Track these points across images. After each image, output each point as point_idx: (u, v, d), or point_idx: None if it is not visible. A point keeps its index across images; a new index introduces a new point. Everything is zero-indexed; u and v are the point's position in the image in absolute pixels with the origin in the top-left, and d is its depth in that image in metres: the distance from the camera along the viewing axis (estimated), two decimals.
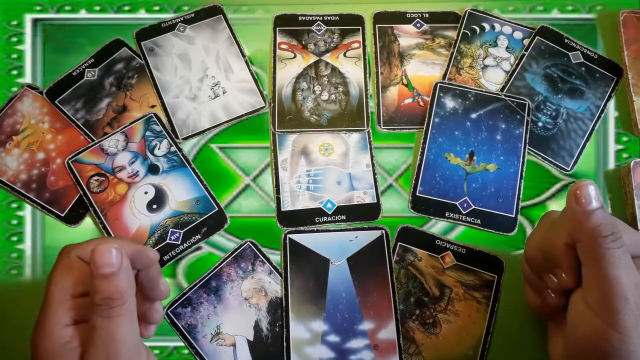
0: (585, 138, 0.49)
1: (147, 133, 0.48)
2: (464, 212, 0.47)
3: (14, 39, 0.51)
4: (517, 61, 0.51)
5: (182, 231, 0.46)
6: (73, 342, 0.33)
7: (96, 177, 0.47)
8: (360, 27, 0.51)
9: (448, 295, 0.46)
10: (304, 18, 0.52)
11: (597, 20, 0.52)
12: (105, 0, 0.52)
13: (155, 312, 0.39)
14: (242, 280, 0.46)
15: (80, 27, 0.51)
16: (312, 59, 0.51)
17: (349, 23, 0.52)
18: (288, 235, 0.47)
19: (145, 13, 0.52)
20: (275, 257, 0.47)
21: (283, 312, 0.45)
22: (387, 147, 0.49)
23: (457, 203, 0.47)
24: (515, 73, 0.50)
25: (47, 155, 0.48)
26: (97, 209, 0.46)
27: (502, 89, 0.50)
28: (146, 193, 0.47)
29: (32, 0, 0.52)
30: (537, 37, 0.51)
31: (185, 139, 0.49)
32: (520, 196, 0.47)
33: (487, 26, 0.51)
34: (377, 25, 0.51)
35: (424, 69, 0.51)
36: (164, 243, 0.46)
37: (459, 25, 0.51)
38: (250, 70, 0.50)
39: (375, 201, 0.48)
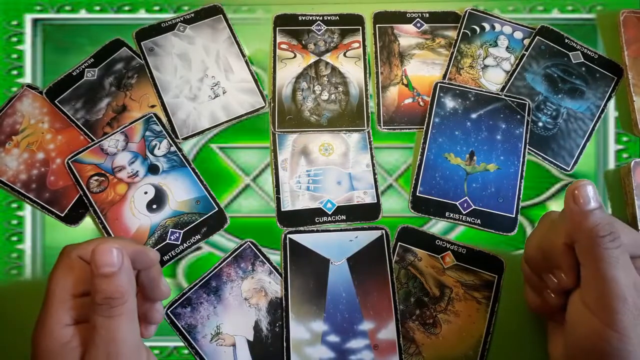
0: (585, 138, 0.49)
1: (147, 133, 0.48)
2: (464, 212, 0.47)
3: (14, 39, 0.51)
4: (517, 61, 0.51)
5: (182, 231, 0.46)
6: (73, 341, 0.33)
7: (96, 177, 0.47)
8: (360, 27, 0.51)
9: (448, 295, 0.45)
10: (304, 18, 0.52)
11: (597, 20, 0.52)
12: (105, 0, 0.52)
13: (155, 312, 0.39)
14: (242, 280, 0.46)
15: (80, 27, 0.51)
16: (312, 58, 0.51)
17: (349, 23, 0.52)
18: (288, 235, 0.47)
19: (145, 13, 0.52)
20: (275, 257, 0.47)
21: (283, 312, 0.45)
22: (387, 147, 0.49)
23: (457, 203, 0.47)
24: (516, 73, 0.50)
25: (47, 155, 0.48)
26: (97, 209, 0.46)
27: (503, 89, 0.50)
28: (146, 193, 0.47)
29: (32, 0, 0.52)
30: (537, 37, 0.51)
31: (185, 139, 0.49)
32: (521, 196, 0.47)
33: (487, 26, 0.51)
34: (377, 25, 0.51)
35: (424, 69, 0.51)
36: (164, 243, 0.46)
37: (459, 25, 0.51)
38: (250, 70, 0.50)
39: (375, 201, 0.48)
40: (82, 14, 0.51)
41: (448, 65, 0.50)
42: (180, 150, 0.48)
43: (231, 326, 0.45)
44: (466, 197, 0.47)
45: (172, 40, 0.51)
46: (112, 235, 0.46)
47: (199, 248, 0.47)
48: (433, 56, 0.51)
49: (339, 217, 0.47)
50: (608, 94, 0.50)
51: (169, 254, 0.46)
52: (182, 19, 0.51)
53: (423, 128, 0.49)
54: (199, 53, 0.50)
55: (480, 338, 0.45)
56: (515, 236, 0.47)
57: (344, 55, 0.51)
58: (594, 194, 0.35)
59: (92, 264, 0.32)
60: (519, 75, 0.50)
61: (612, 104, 0.50)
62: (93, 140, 0.48)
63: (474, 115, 0.49)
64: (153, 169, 0.47)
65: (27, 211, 0.48)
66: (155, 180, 0.47)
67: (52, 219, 0.47)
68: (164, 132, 0.48)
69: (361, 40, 0.51)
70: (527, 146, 0.48)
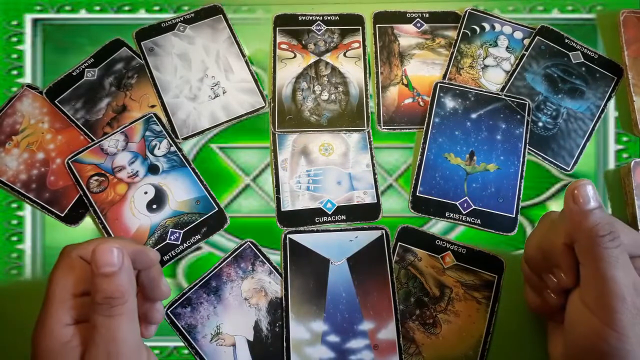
0: (585, 138, 0.49)
1: (147, 133, 0.48)
2: (464, 212, 0.47)
3: (14, 39, 0.51)
4: (517, 61, 0.51)
5: (182, 231, 0.46)
6: (74, 341, 0.33)
7: (96, 177, 0.47)
8: (360, 27, 0.51)
9: (448, 295, 0.45)
10: (304, 18, 0.52)
11: (597, 20, 0.52)
12: (105, 0, 0.52)
13: (156, 312, 0.39)
14: (242, 280, 0.46)
15: (80, 27, 0.51)
16: (312, 58, 0.51)
17: (349, 23, 0.52)
18: (288, 235, 0.47)
19: (145, 13, 0.52)
20: (275, 257, 0.47)
21: (283, 312, 0.45)
22: (387, 147, 0.49)
23: (457, 203, 0.47)
24: (516, 73, 0.50)
25: (47, 155, 0.48)
26: (97, 209, 0.46)
27: (503, 89, 0.50)
28: (146, 193, 0.47)
29: (32, 0, 0.52)
30: (537, 37, 0.51)
31: (185, 139, 0.49)
32: (521, 196, 0.47)
33: (487, 26, 0.51)
34: (377, 25, 0.51)
35: (424, 69, 0.51)
36: (164, 243, 0.46)
37: (459, 25, 0.51)
38: (250, 70, 0.50)
39: (375, 201, 0.48)
40: (82, 14, 0.51)
41: (448, 65, 0.50)
42: (180, 150, 0.48)
43: (231, 326, 0.45)
44: (466, 197, 0.47)
45: (172, 40, 0.51)
46: (112, 235, 0.46)
47: (199, 248, 0.47)
48: (433, 56, 0.51)
49: (339, 217, 0.47)
50: (608, 94, 0.50)
51: (169, 254, 0.46)
52: (182, 19, 0.51)
53: (423, 128, 0.49)
54: (199, 53, 0.50)
55: (480, 338, 0.45)
56: (515, 236, 0.47)
57: (344, 55, 0.51)
58: (594, 193, 0.35)
59: (93, 263, 0.32)
60: (519, 75, 0.50)
61: (612, 104, 0.50)
62: (93, 140, 0.48)
63: (474, 115, 0.49)
64: (153, 169, 0.47)
65: (27, 211, 0.48)
66: (155, 180, 0.47)
67: (52, 219, 0.47)
68: (164, 132, 0.48)
69: (361, 40, 0.51)
70: (527, 146, 0.48)
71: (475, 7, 0.52)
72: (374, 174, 0.48)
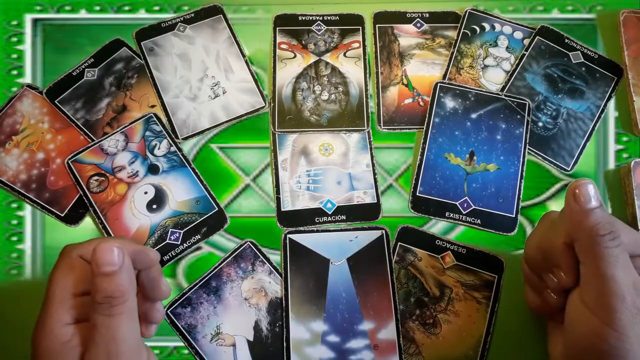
0: (585, 138, 0.49)
1: (147, 133, 0.48)
2: (464, 212, 0.47)
3: (14, 39, 0.51)
4: (517, 61, 0.51)
5: (182, 231, 0.46)
6: (74, 340, 0.33)
7: (96, 177, 0.47)
8: (360, 27, 0.51)
9: (448, 295, 0.45)
10: (304, 18, 0.52)
11: (597, 20, 0.52)
12: (105, 0, 0.52)
13: (156, 312, 0.39)
14: (242, 280, 0.46)
15: (80, 27, 0.51)
16: (312, 58, 0.51)
17: (349, 23, 0.52)
18: (288, 235, 0.47)
19: (145, 13, 0.52)
20: (275, 257, 0.47)
21: (283, 312, 0.45)
22: (387, 147, 0.49)
23: (457, 203, 0.47)
24: (516, 73, 0.50)
25: (47, 155, 0.48)
26: (97, 209, 0.46)
27: (503, 89, 0.50)
28: (146, 193, 0.47)
29: (32, 0, 0.52)
30: (537, 37, 0.51)
31: (185, 139, 0.49)
32: (521, 196, 0.47)
33: (487, 26, 0.51)
34: (377, 25, 0.51)
35: (424, 69, 0.51)
36: (164, 243, 0.46)
37: (459, 25, 0.51)
38: (250, 70, 0.50)
39: (375, 201, 0.48)
40: (82, 14, 0.51)
41: (448, 65, 0.50)
42: (180, 150, 0.48)
43: (231, 326, 0.45)
44: (466, 197, 0.47)
45: (172, 40, 0.51)
46: (112, 235, 0.46)
47: (199, 248, 0.47)
48: (433, 56, 0.51)
49: (339, 217, 0.47)
50: (608, 94, 0.50)
51: (169, 254, 0.46)
52: (182, 19, 0.51)
53: (423, 128, 0.49)
54: (199, 53, 0.50)
55: (480, 338, 0.45)
56: (515, 236, 0.47)
57: (344, 55, 0.51)
58: (595, 192, 0.35)
59: (93, 262, 0.32)
60: (519, 75, 0.50)
61: (612, 104, 0.50)
62: (93, 140, 0.48)
63: (474, 115, 0.49)
64: (153, 169, 0.47)
65: (27, 211, 0.48)
66: (155, 180, 0.47)
67: (52, 219, 0.47)
68: (164, 132, 0.48)
69: (361, 40, 0.51)
70: (527, 146, 0.48)
71: (475, 7, 0.52)
72: (374, 174, 0.48)
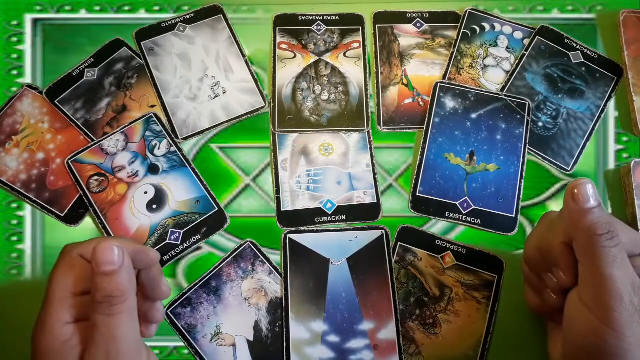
0: (585, 138, 0.49)
1: (147, 133, 0.48)
2: (464, 212, 0.47)
3: (14, 39, 0.51)
4: (517, 61, 0.51)
5: (182, 231, 0.46)
6: (74, 340, 0.33)
7: (96, 177, 0.47)
8: (360, 27, 0.51)
9: (448, 295, 0.45)
10: (304, 18, 0.52)
11: (597, 20, 0.52)
12: (105, 0, 0.52)
13: (156, 312, 0.39)
14: (242, 280, 0.46)
15: (80, 27, 0.51)
16: (312, 58, 0.51)
17: (349, 23, 0.52)
18: (288, 235, 0.47)
19: (145, 13, 0.52)
20: (275, 257, 0.47)
21: (283, 312, 0.45)
22: (387, 147, 0.49)
23: (457, 203, 0.47)
24: (516, 73, 0.50)
25: (47, 155, 0.48)
26: (97, 209, 0.46)
27: (503, 89, 0.50)
28: (146, 193, 0.47)
29: (32, 0, 0.52)
30: (537, 37, 0.51)
31: (185, 139, 0.49)
32: (521, 196, 0.47)
33: (487, 26, 0.51)
34: (377, 25, 0.51)
35: (424, 69, 0.51)
36: (164, 243, 0.46)
37: (459, 25, 0.51)
38: (250, 70, 0.50)
39: (375, 201, 0.48)
40: (82, 14, 0.51)
41: (448, 65, 0.50)
42: (180, 150, 0.48)
43: (231, 326, 0.45)
44: (466, 197, 0.47)
45: (172, 40, 0.51)
46: (112, 235, 0.46)
47: (199, 248, 0.47)
48: (433, 56, 0.51)
49: (339, 217, 0.47)
50: (608, 94, 0.50)
51: (169, 254, 0.46)
52: (182, 19, 0.51)
53: (423, 128, 0.49)
54: (199, 53, 0.50)
55: (480, 338, 0.45)
56: (515, 236, 0.47)
57: (344, 55, 0.51)
58: (594, 192, 0.35)
59: (93, 262, 0.32)
60: (519, 75, 0.50)
61: (612, 104, 0.50)
62: (93, 140, 0.48)
63: (474, 115, 0.49)
64: (153, 169, 0.47)
65: (27, 211, 0.48)
66: (155, 180, 0.47)
67: (52, 219, 0.47)
68: (164, 132, 0.48)
69: (361, 40, 0.51)
70: (527, 146, 0.48)
71: (475, 7, 0.52)
72: (374, 174, 0.48)
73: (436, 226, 0.48)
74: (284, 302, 0.45)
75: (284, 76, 0.50)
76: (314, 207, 0.47)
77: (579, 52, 0.51)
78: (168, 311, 0.45)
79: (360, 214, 0.47)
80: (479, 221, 0.47)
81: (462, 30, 0.51)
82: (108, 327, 0.32)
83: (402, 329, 0.45)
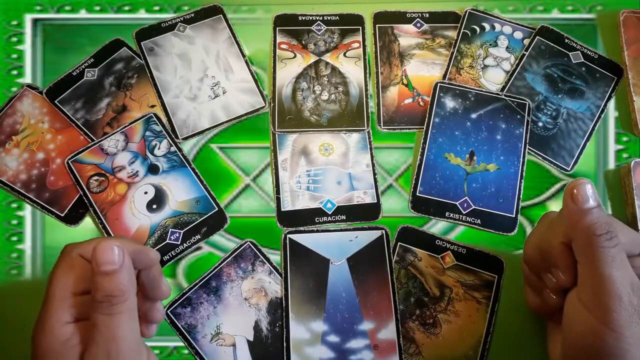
0: (585, 138, 0.49)
1: (147, 133, 0.48)
2: (464, 212, 0.47)
3: (14, 39, 0.51)
4: (517, 61, 0.51)
5: (182, 231, 0.46)
6: (74, 339, 0.33)
7: (96, 177, 0.47)
8: (360, 27, 0.51)
9: (448, 295, 0.45)
10: (304, 18, 0.52)
11: (597, 20, 0.52)
12: (105, 0, 0.52)
13: (156, 312, 0.39)
14: (242, 280, 0.46)
15: (80, 27, 0.51)
16: (312, 58, 0.51)
17: (349, 23, 0.52)
18: (288, 235, 0.47)
19: (145, 13, 0.52)
20: (275, 257, 0.47)
21: (283, 312, 0.45)
22: (387, 147, 0.49)
23: (457, 203, 0.47)
24: (516, 73, 0.50)
25: (47, 155, 0.48)
26: (97, 209, 0.46)
27: (503, 89, 0.50)
28: (146, 193, 0.47)
29: (32, 0, 0.52)
30: (537, 37, 0.51)
31: (185, 139, 0.49)
32: (521, 196, 0.47)
33: (487, 26, 0.51)
34: (377, 25, 0.51)
35: (424, 69, 0.51)
36: (164, 243, 0.46)
37: (459, 25, 0.51)
38: (250, 70, 0.50)
39: (375, 201, 0.48)
40: (82, 14, 0.51)
41: (448, 65, 0.50)
42: (180, 150, 0.48)
43: (231, 326, 0.45)
44: (466, 197, 0.47)
45: (172, 40, 0.51)
46: (112, 235, 0.46)
47: (199, 248, 0.47)
48: (433, 56, 0.51)
49: (339, 217, 0.47)
50: (608, 94, 0.50)
51: (169, 254, 0.46)
52: (182, 19, 0.51)
53: (423, 128, 0.49)
54: (199, 53, 0.50)
55: (480, 338, 0.45)
56: (515, 236, 0.47)
57: (344, 55, 0.51)
58: (593, 192, 0.35)
59: (93, 261, 0.32)
60: (519, 75, 0.50)
61: (612, 104, 0.50)
62: (93, 140, 0.48)
63: (474, 115, 0.49)
64: (153, 169, 0.47)
65: (27, 211, 0.48)
66: (155, 180, 0.47)
67: (52, 219, 0.47)
68: (164, 132, 0.48)
69: (361, 40, 0.51)
70: (527, 146, 0.48)
71: (475, 7, 0.52)
72: (374, 174, 0.48)
73: (436, 226, 0.48)
74: (284, 302, 0.45)
75: (284, 76, 0.50)
76: (314, 207, 0.47)
77: (579, 52, 0.51)
78: (168, 311, 0.45)
79: (360, 214, 0.47)
80: (479, 221, 0.47)
81: (462, 30, 0.51)
82: (108, 326, 0.32)
83: (402, 329, 0.45)
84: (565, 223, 0.35)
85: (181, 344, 0.45)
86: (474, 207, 0.47)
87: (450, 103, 0.49)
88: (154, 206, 0.47)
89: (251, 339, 0.45)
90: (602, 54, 0.51)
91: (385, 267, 0.46)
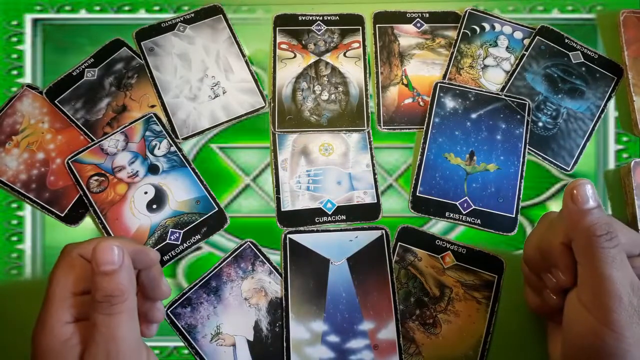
0: (585, 138, 0.49)
1: (147, 133, 0.48)
2: (464, 212, 0.47)
3: (14, 39, 0.51)
4: (517, 61, 0.51)
5: (182, 231, 0.46)
6: (74, 339, 0.33)
7: (96, 177, 0.47)
8: (360, 27, 0.51)
9: (448, 295, 0.45)
10: (304, 18, 0.52)
11: (597, 20, 0.52)
12: (105, 0, 0.52)
13: (156, 311, 0.39)
14: (242, 280, 0.46)
15: (80, 27, 0.51)
16: (312, 58, 0.51)
17: (349, 23, 0.52)
18: (288, 235, 0.47)
19: (145, 13, 0.52)
20: (275, 257, 0.47)
21: (283, 312, 0.45)
22: (387, 147, 0.49)
23: (457, 203, 0.47)
24: (516, 73, 0.50)
25: (47, 155, 0.48)
26: (97, 209, 0.46)
27: (503, 89, 0.50)
28: (146, 193, 0.47)
29: (32, 0, 0.52)
30: (537, 37, 0.51)
31: (185, 139, 0.49)
32: (521, 196, 0.47)
33: (487, 26, 0.51)
34: (377, 25, 0.51)
35: (424, 69, 0.51)
36: (164, 243, 0.46)
37: (459, 25, 0.51)
38: (250, 70, 0.50)
39: (375, 201, 0.48)
40: (82, 14, 0.51)
41: (448, 65, 0.50)
42: (180, 150, 0.48)
43: (231, 326, 0.45)
44: (466, 197, 0.47)
45: (172, 40, 0.51)
46: (112, 235, 0.46)
47: (199, 248, 0.47)
48: (433, 56, 0.51)
49: (339, 217, 0.47)
50: (608, 94, 0.50)
51: (169, 254, 0.46)
52: (182, 19, 0.51)
53: (423, 128, 0.49)
54: (199, 53, 0.50)
55: (480, 338, 0.45)
56: (515, 236, 0.47)
57: (344, 55, 0.51)
58: (593, 193, 0.35)
59: (93, 261, 0.32)
60: (519, 75, 0.50)
61: (612, 104, 0.50)
62: (93, 140, 0.48)
63: (474, 115, 0.49)
64: (153, 169, 0.47)
65: (27, 211, 0.48)
66: (155, 180, 0.47)
67: (52, 219, 0.47)
68: (164, 132, 0.48)
69: (361, 40, 0.51)
70: (527, 146, 0.48)
71: (475, 7, 0.52)
72: (374, 174, 0.48)
73: (436, 226, 0.48)
74: (284, 302, 0.45)
75: (284, 76, 0.50)
76: (314, 207, 0.47)
77: (579, 52, 0.51)
78: (168, 311, 0.45)
79: (360, 214, 0.47)
80: (479, 221, 0.47)
81: (462, 30, 0.51)
82: (108, 326, 0.32)
83: (402, 329, 0.45)
84: (566, 223, 0.35)
85: (181, 344, 0.45)
86: (474, 207, 0.47)
87: (450, 103, 0.49)
88: (154, 206, 0.47)
89: (251, 339, 0.45)
90: (602, 54, 0.51)
91: (385, 267, 0.46)
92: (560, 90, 0.50)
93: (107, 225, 0.46)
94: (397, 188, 0.48)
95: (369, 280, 0.45)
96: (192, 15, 0.51)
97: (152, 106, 0.49)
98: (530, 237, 0.40)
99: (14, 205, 0.48)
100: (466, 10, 0.52)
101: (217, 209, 0.47)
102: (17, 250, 0.47)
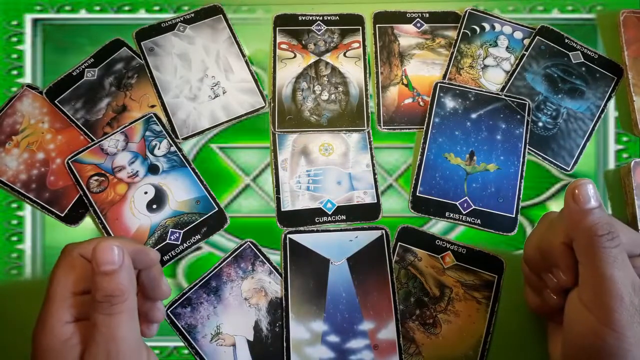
0: (585, 138, 0.49)
1: (147, 133, 0.48)
2: (464, 212, 0.47)
3: (14, 39, 0.51)
4: (517, 61, 0.51)
5: (182, 231, 0.46)
6: (74, 339, 0.33)
7: (96, 177, 0.47)
8: (360, 27, 0.51)
9: (448, 295, 0.45)
10: (304, 18, 0.52)
11: (597, 20, 0.52)
12: (105, 0, 0.52)
13: (157, 311, 0.39)
14: (242, 280, 0.46)
15: (80, 27, 0.51)
16: (312, 58, 0.51)
17: (349, 23, 0.52)
18: (288, 235, 0.47)
19: (145, 13, 0.52)
20: (275, 257, 0.47)
21: (283, 312, 0.45)
22: (387, 147, 0.49)
23: (457, 203, 0.47)
24: (516, 73, 0.50)
25: (47, 155, 0.48)
26: (97, 209, 0.46)
27: (503, 89, 0.50)
28: (146, 193, 0.47)
29: (32, 0, 0.52)
30: (537, 37, 0.51)
31: (185, 139, 0.49)
32: (521, 196, 0.47)
33: (487, 26, 0.51)
34: (377, 25, 0.51)
35: (424, 69, 0.51)
36: (164, 243, 0.46)
37: (459, 25, 0.51)
38: (250, 70, 0.50)
39: (375, 201, 0.48)
40: (82, 14, 0.51)
41: (448, 65, 0.50)
42: (180, 150, 0.48)
43: (231, 326, 0.45)
44: (466, 197, 0.47)
45: (172, 40, 0.51)
46: (112, 235, 0.46)
47: (199, 248, 0.47)
48: (433, 56, 0.51)
49: (339, 217, 0.47)
50: (608, 94, 0.50)
51: (169, 254, 0.46)
52: (182, 19, 0.51)
53: (423, 128, 0.49)
54: (199, 53, 0.50)
55: (480, 338, 0.45)
56: (515, 236, 0.47)
57: (344, 55, 0.51)
58: (594, 192, 0.35)
59: (93, 261, 0.32)
60: (519, 75, 0.50)
61: (612, 104, 0.50)
62: (93, 140, 0.48)
63: (474, 115, 0.49)
64: (153, 169, 0.47)
65: (27, 211, 0.48)
66: (155, 180, 0.47)
67: (52, 219, 0.47)
68: (164, 132, 0.48)
69: (361, 40, 0.51)
70: (527, 146, 0.48)
71: (475, 7, 0.52)
72: (374, 174, 0.48)
73: (436, 226, 0.48)
74: (284, 302, 0.45)
75: (284, 76, 0.50)
76: (314, 207, 0.47)
77: (579, 52, 0.51)
78: (168, 311, 0.45)
79: (360, 214, 0.47)
80: (479, 221, 0.47)
81: (462, 30, 0.51)
82: (108, 326, 0.32)
83: (402, 329, 0.45)
84: (567, 223, 0.35)
85: (181, 344, 0.45)
86: (474, 207, 0.47)
87: (450, 103, 0.49)
88: (154, 206, 0.47)
89: (251, 339, 0.45)
90: (602, 54, 0.51)
91: (385, 267, 0.46)
92: (560, 90, 0.50)
93: (107, 225, 0.46)
94: (397, 188, 0.48)
95: (369, 280, 0.45)
96: (192, 15, 0.51)
97: (152, 106, 0.49)
98: (530, 237, 0.40)
99: (14, 205, 0.48)
100: (466, 10, 0.52)
101: (217, 209, 0.47)
102: (17, 250, 0.47)
